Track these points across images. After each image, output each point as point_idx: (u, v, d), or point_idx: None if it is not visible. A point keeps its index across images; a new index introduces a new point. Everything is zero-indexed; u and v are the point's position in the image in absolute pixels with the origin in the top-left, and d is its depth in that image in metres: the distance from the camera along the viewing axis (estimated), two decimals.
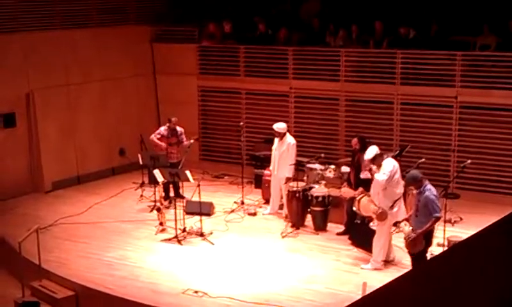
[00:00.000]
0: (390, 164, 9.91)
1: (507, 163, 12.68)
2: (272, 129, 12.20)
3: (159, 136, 13.06)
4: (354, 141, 11.27)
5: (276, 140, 12.17)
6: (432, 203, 8.85)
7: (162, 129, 13.20)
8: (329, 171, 12.29)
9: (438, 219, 9.02)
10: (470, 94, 12.81)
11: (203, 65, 15.64)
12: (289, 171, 11.96)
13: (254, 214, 12.61)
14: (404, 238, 9.11)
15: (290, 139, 12.12)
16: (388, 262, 10.18)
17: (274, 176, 12.27)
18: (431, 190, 8.95)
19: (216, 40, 15.47)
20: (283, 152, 12.00)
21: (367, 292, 8.57)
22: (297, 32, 14.96)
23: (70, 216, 12.53)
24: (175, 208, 11.49)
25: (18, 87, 13.74)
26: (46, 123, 14.15)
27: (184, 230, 11.48)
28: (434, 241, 10.43)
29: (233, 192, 13.70)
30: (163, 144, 12.97)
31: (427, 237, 9.06)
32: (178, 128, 13.17)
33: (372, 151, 10.01)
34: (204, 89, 15.73)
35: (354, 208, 10.54)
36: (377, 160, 9.95)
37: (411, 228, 9.06)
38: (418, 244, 8.95)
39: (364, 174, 10.44)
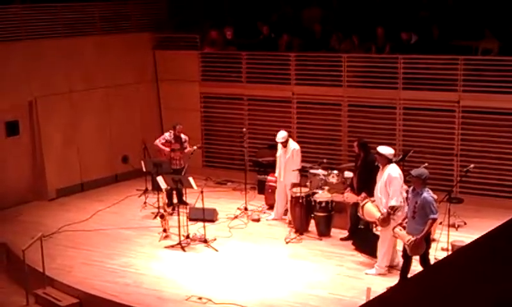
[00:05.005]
0: (398, 180, 9.80)
1: (510, 167, 12.67)
2: (275, 140, 12.16)
3: (163, 141, 13.11)
4: (354, 145, 11.32)
5: (280, 146, 12.18)
6: (430, 204, 8.89)
7: (167, 135, 13.23)
8: (332, 177, 12.29)
9: (434, 220, 9.06)
10: (472, 98, 12.81)
11: (205, 72, 15.67)
12: (295, 177, 11.96)
13: (257, 220, 12.61)
14: (405, 243, 9.14)
15: (294, 145, 12.13)
16: (392, 267, 10.17)
17: (280, 183, 12.28)
18: (429, 192, 9.00)
19: (218, 47, 15.50)
20: (289, 159, 12.00)
21: (371, 297, 8.57)
22: (298, 38, 14.98)
23: (73, 223, 12.55)
24: (179, 214, 11.50)
25: (21, 95, 13.78)
26: (49, 131, 14.18)
27: (188, 237, 11.48)
28: (439, 245, 10.46)
29: (237, 198, 13.72)
30: (167, 149, 13.00)
31: (427, 238, 9.11)
32: (183, 136, 13.21)
33: (389, 150, 10.03)
34: (206, 96, 15.75)
35: (358, 214, 10.56)
36: (382, 160, 9.95)
37: (405, 231, 9.09)
38: (420, 246, 8.99)
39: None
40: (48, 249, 10.94)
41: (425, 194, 8.91)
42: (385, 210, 9.72)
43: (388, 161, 9.93)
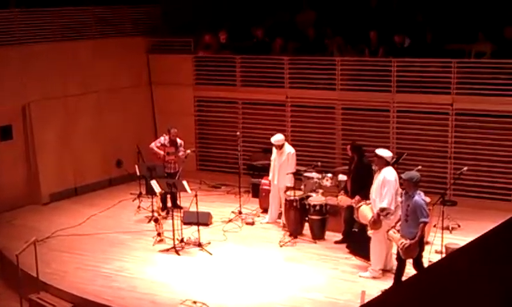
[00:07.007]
0: (393, 182, 9.78)
1: (504, 169, 12.70)
2: (271, 142, 12.17)
3: (158, 145, 13.11)
4: (347, 148, 11.34)
5: (275, 150, 12.18)
6: (420, 207, 8.90)
7: (162, 139, 13.23)
8: (327, 180, 12.29)
9: (425, 224, 9.07)
10: (465, 101, 12.85)
11: (199, 75, 15.67)
12: (289, 180, 11.96)
13: (252, 223, 12.61)
14: (398, 246, 9.15)
15: (289, 149, 12.12)
16: (386, 271, 10.17)
17: (274, 186, 12.28)
18: (420, 195, 9.02)
19: (212, 50, 15.50)
20: (284, 162, 12.00)
21: (366, 301, 8.58)
22: (292, 42, 14.99)
23: (67, 228, 12.51)
24: (173, 218, 11.49)
25: (15, 100, 13.73)
26: (43, 135, 14.14)
27: (182, 240, 11.47)
28: (432, 248, 10.47)
29: (231, 201, 13.71)
30: (161, 152, 13.00)
31: (420, 241, 9.12)
32: (179, 140, 13.20)
33: (388, 153, 10.06)
34: (200, 100, 15.74)
35: (354, 217, 10.57)
36: (380, 163, 9.95)
37: (399, 234, 9.10)
38: (413, 250, 9.00)
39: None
40: (42, 254, 10.90)
41: (416, 198, 8.92)
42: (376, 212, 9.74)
43: (386, 164, 9.95)
